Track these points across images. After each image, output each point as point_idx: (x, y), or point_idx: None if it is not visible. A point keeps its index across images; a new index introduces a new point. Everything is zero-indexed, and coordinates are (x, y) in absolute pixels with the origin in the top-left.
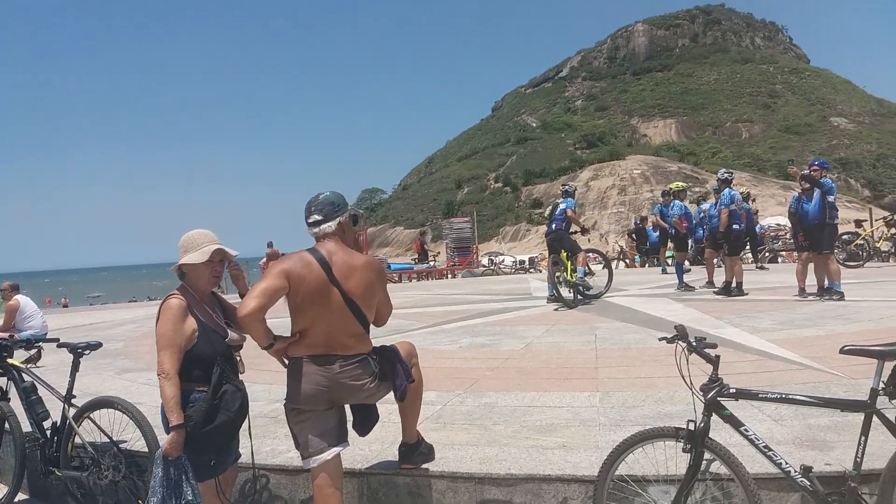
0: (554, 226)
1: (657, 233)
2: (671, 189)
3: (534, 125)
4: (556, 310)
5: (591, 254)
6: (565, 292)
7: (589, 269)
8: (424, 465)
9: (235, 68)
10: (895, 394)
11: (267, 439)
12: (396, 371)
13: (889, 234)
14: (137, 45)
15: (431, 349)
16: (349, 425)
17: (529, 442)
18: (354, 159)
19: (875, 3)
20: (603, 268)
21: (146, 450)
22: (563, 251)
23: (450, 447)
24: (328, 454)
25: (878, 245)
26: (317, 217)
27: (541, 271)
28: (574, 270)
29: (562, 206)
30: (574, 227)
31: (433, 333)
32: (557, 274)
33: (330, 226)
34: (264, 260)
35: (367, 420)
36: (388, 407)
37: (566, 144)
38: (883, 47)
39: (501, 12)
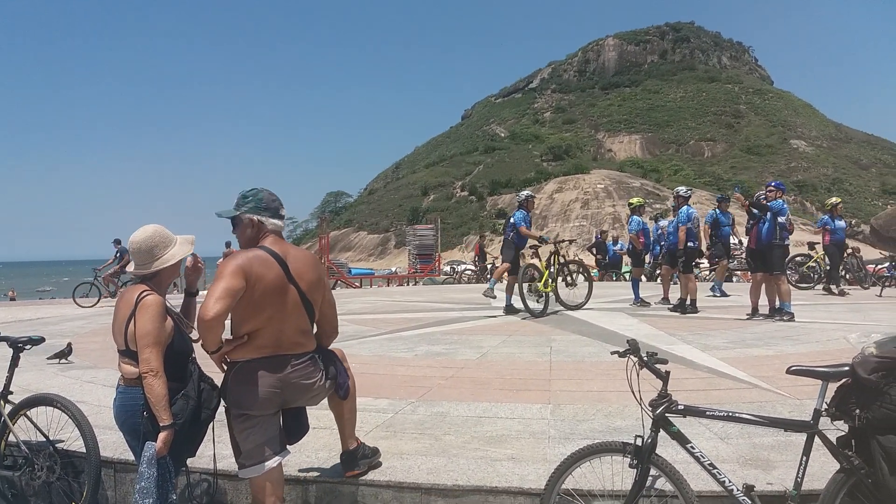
0: (505, 236)
1: (617, 247)
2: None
3: (502, 135)
4: (522, 319)
5: (531, 269)
6: (532, 302)
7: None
8: (371, 475)
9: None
10: (837, 415)
11: (210, 443)
12: (338, 368)
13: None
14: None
15: (387, 356)
16: None
17: (479, 453)
18: (320, 161)
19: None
20: (584, 280)
21: (83, 450)
22: (540, 259)
23: (398, 457)
24: (272, 462)
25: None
26: (285, 212)
27: (502, 281)
28: (552, 280)
29: (511, 219)
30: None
31: (390, 340)
32: (528, 283)
33: (283, 223)
34: (222, 260)
35: (298, 428)
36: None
37: (533, 156)
38: (843, 72)
39: (476, 21)
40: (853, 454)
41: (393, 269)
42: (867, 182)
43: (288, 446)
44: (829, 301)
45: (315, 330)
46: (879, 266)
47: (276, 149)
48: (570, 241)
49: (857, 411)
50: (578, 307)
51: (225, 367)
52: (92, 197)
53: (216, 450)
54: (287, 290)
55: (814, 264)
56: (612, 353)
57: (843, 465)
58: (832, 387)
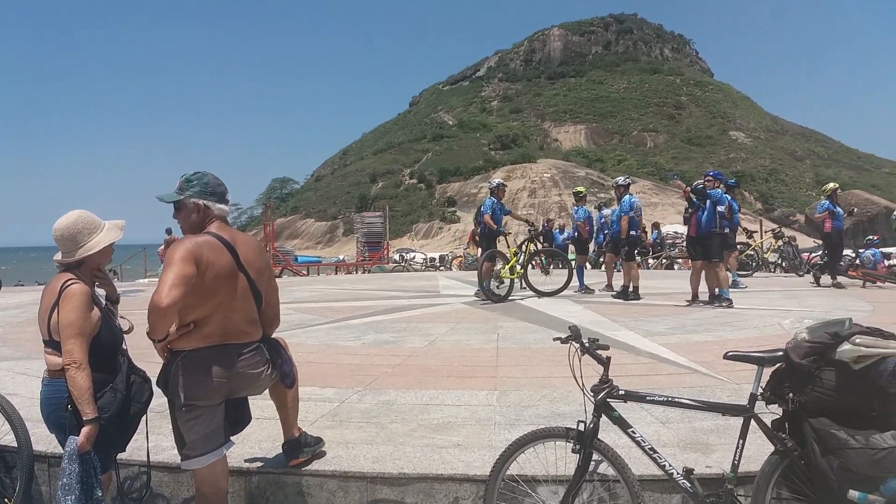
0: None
1: (564, 235)
2: (583, 193)
3: (450, 123)
4: (470, 306)
5: (496, 255)
6: (494, 287)
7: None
8: (316, 465)
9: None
10: (772, 399)
11: (151, 434)
12: (284, 358)
13: (777, 246)
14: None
15: (334, 345)
16: None
17: (425, 441)
18: (265, 147)
19: (773, 23)
20: (562, 267)
21: (15, 444)
22: (509, 246)
23: (343, 446)
24: (217, 453)
25: (766, 256)
26: (230, 198)
27: (451, 269)
28: (519, 266)
29: (481, 207)
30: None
31: (337, 329)
32: (496, 268)
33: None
34: (162, 247)
35: (241, 418)
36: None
37: (481, 144)
38: (781, 66)
39: (423, 8)
40: (787, 436)
41: (341, 257)
42: (802, 173)
43: (231, 437)
44: (766, 287)
45: (261, 316)
46: (813, 254)
47: (219, 134)
48: (539, 231)
49: (791, 395)
50: (552, 294)
51: (167, 357)
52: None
53: (153, 442)
54: (237, 278)
55: (752, 252)
56: (555, 339)
57: (778, 448)
58: (767, 371)
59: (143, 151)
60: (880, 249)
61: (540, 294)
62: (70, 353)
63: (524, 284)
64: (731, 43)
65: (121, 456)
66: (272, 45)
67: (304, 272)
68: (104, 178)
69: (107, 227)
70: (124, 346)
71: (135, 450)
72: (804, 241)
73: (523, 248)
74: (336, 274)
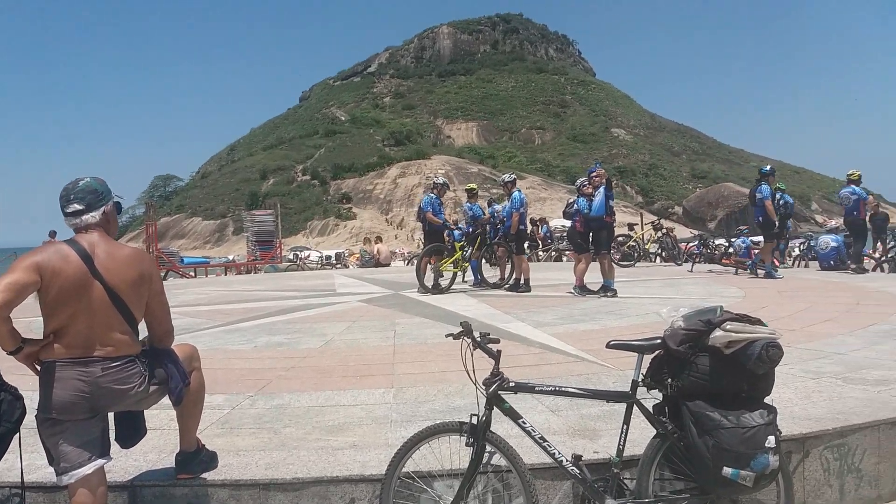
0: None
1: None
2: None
3: (343, 119)
4: (366, 304)
5: (437, 248)
6: (431, 280)
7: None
8: (204, 474)
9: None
10: (652, 385)
11: (25, 453)
12: (170, 373)
13: (656, 238)
14: None
15: (224, 349)
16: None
17: (320, 443)
18: (146, 143)
19: (653, 25)
20: (507, 261)
21: None
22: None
23: (234, 453)
24: (89, 468)
25: (647, 247)
26: (77, 206)
27: (348, 267)
28: (463, 261)
29: (420, 205)
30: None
31: (227, 332)
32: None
33: (94, 216)
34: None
35: (132, 432)
36: (170, 413)
37: (375, 140)
38: (658, 66)
39: (313, 2)
40: (667, 420)
41: (231, 258)
42: (679, 167)
43: (123, 449)
44: (648, 277)
45: (149, 331)
46: (690, 244)
47: (94, 127)
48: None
49: (669, 380)
50: (499, 286)
51: (38, 369)
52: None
53: (27, 461)
54: (90, 288)
55: (634, 244)
56: (447, 336)
57: (659, 431)
58: (647, 358)
59: (12, 150)
60: (750, 238)
61: (490, 285)
62: None
63: (479, 278)
64: (612, 43)
65: None
66: (149, 32)
67: (191, 274)
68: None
69: None
70: None
71: (6, 470)
72: (682, 232)
73: (478, 242)
74: (226, 275)
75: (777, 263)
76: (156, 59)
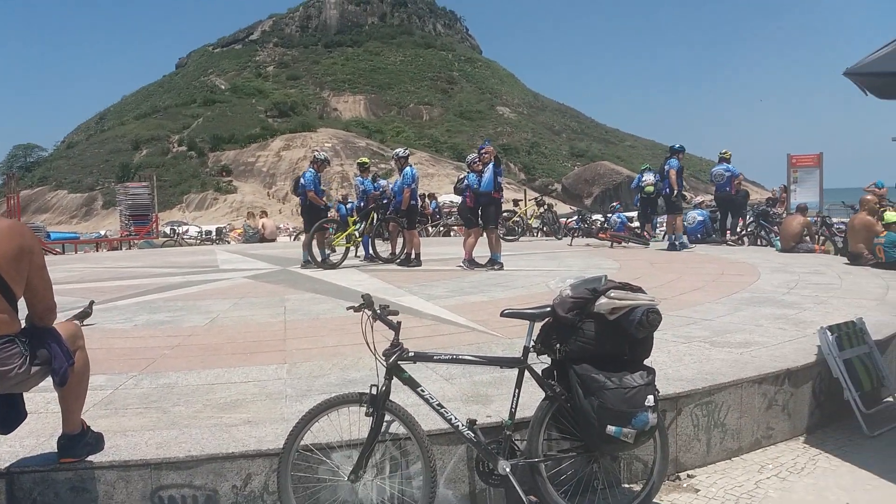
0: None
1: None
2: (367, 164)
3: (223, 87)
4: (257, 279)
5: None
6: (319, 255)
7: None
8: (90, 457)
9: None
10: (542, 350)
11: None
12: (53, 353)
13: (539, 213)
14: None
15: (101, 328)
16: None
17: (213, 421)
18: (3, 108)
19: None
20: (398, 236)
21: None
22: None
23: (122, 434)
24: None
25: (530, 222)
26: None
27: (229, 242)
28: (357, 235)
29: (301, 180)
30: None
31: (103, 311)
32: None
33: None
34: None
35: (13, 416)
36: (46, 396)
37: (257, 111)
38: (540, 46)
39: None
40: (555, 383)
41: (102, 233)
42: (559, 146)
43: (1, 435)
44: (531, 250)
45: (29, 309)
46: (569, 220)
47: None
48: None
49: (558, 346)
50: (391, 261)
51: None
52: None
53: None
54: None
55: (518, 219)
56: (348, 308)
57: (548, 394)
58: (538, 326)
59: None
60: (624, 214)
61: (383, 260)
62: None
63: (372, 252)
64: (497, 21)
65: None
66: None
67: (57, 250)
68: None
69: None
70: None
71: None
72: (561, 208)
73: (367, 218)
74: (98, 251)
75: (648, 236)
76: (15, 13)
